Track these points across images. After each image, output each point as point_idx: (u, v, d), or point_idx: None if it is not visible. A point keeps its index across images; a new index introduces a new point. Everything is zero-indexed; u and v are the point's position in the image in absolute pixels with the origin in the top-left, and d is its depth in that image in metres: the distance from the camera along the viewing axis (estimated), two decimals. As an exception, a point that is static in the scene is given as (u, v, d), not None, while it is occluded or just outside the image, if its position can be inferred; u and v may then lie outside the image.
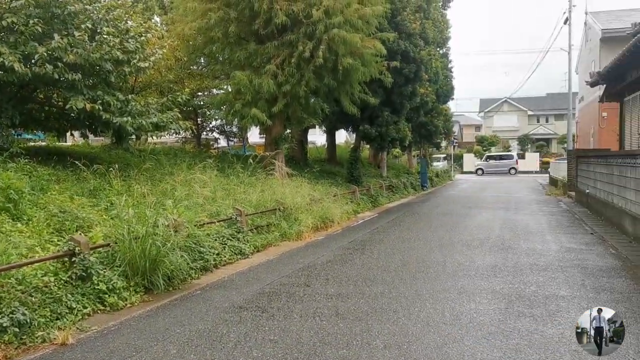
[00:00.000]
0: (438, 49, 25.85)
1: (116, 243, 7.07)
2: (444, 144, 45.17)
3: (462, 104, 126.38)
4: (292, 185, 13.44)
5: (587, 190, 16.62)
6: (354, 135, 26.52)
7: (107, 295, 6.27)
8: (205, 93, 19.44)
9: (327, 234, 12.04)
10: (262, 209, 11.52)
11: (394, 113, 21.40)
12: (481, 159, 56.09)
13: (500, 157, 53.61)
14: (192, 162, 13.34)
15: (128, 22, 11.71)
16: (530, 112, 67.60)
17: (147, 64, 11.41)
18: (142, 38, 11.73)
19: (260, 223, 10.93)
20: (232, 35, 14.85)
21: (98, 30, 10.46)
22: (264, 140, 19.95)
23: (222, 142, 30.18)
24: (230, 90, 15.67)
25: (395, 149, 33.63)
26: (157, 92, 16.33)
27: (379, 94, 19.36)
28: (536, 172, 52.55)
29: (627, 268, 7.76)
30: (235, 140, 31.67)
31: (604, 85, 18.70)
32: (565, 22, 25.27)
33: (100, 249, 7.00)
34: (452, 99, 35.04)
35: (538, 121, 68.02)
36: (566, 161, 25.30)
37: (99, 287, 6.26)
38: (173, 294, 6.81)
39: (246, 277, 7.70)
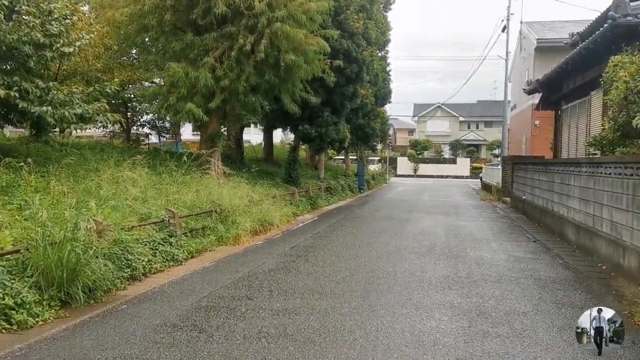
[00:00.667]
0: (378, 51, 25.65)
1: (28, 249, 6.12)
2: (379, 146, 45.41)
3: (396, 108, 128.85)
4: (229, 185, 12.67)
5: (524, 197, 16.80)
6: (291, 135, 26.02)
7: (14, 312, 5.35)
8: (137, 85, 18.25)
9: (267, 238, 11.36)
10: (197, 210, 10.70)
11: (334, 113, 20.98)
12: (414, 162, 57.04)
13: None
14: (120, 158, 12.29)
15: (52, 2, 10.58)
16: (461, 119, 69.45)
17: (72, 50, 10.37)
18: (68, 21, 10.67)
19: (195, 226, 10.12)
20: (168, 24, 13.91)
21: (16, 9, 9.34)
22: (198, 137, 18.99)
23: (154, 138, 28.78)
24: (164, 83, 14.66)
25: (331, 150, 33.36)
26: (83, 82, 15.05)
27: (320, 93, 18.87)
28: (467, 177, 53.97)
29: (579, 280, 7.56)
30: (168, 136, 30.32)
31: (540, 94, 19.06)
32: (503, 30, 25.80)
33: (9, 255, 6.05)
34: (390, 102, 35.14)
35: (469, 127, 69.98)
36: (500, 167, 25.77)
37: (4, 301, 5.33)
38: (95, 308, 5.95)
39: (180, 287, 6.92)
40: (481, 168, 56.36)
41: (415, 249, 9.87)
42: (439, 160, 59.94)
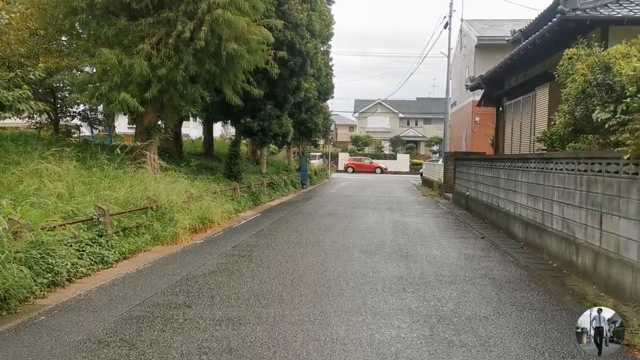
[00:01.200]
0: (322, 45, 25.22)
1: None
2: (321, 142, 45.11)
3: (338, 104, 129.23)
4: (166, 180, 11.88)
5: (467, 193, 16.81)
6: (232, 129, 25.24)
7: None
8: (67, 73, 16.98)
9: (207, 236, 10.69)
10: (131, 207, 9.90)
11: (277, 107, 20.39)
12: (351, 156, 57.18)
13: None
14: (46, 150, 11.26)
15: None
16: (401, 115, 70.28)
17: (-13, 29, 9.32)
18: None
19: (129, 224, 9.32)
20: (99, 7, 12.93)
21: None
22: (134, 130, 17.95)
23: (87, 131, 27.22)
24: (95, 70, 13.62)
25: (272, 145, 32.78)
26: (4, 67, 13.80)
27: (263, 86, 18.26)
28: (406, 173, 54.58)
29: (533, 278, 7.37)
30: (101, 128, 28.79)
31: (483, 90, 19.18)
32: (445, 27, 25.93)
33: None
34: (332, 97, 34.81)
35: (408, 124, 70.92)
36: (441, 163, 25.96)
37: None
38: (7, 320, 5.17)
39: (109, 294, 6.19)
40: (421, 164, 57.14)
41: (364, 247, 9.47)
42: (379, 156, 60.30)
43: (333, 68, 33.74)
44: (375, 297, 6.10)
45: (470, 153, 19.92)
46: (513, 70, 15.40)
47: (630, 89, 5.55)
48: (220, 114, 20.62)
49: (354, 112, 71.96)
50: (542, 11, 14.58)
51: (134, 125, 16.52)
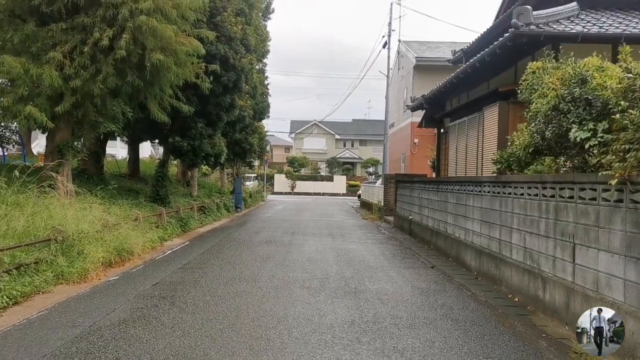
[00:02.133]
0: (258, 62, 24.17)
1: None
2: (256, 163, 43.81)
3: (273, 125, 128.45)
4: (77, 206, 10.34)
5: (410, 217, 16.07)
6: (161, 148, 23.66)
7: None
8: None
9: (124, 271, 9.24)
10: (29, 239, 8.35)
11: (209, 125, 19.09)
12: (291, 179, 56.16)
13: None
14: None
15: None
16: (337, 136, 70.09)
17: None
18: None
19: (26, 260, 7.77)
20: (3, 10, 11.42)
21: None
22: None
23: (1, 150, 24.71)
24: (-2, 80, 11.96)
25: (204, 166, 31.22)
26: None
27: (194, 102, 16.96)
28: (343, 195, 54.04)
29: (498, 318, 6.48)
30: (14, 148, 26.31)
31: (424, 111, 18.68)
32: (384, 46, 25.55)
33: None
34: (268, 116, 33.77)
35: (344, 145, 70.81)
36: (380, 185, 25.33)
37: None
38: None
39: (-19, 358, 4.76)
40: (357, 186, 56.87)
41: (307, 282, 8.33)
42: (316, 177, 59.60)
43: (269, 87, 32.79)
44: (325, 353, 4.97)
45: (412, 175, 19.32)
46: (456, 90, 14.90)
47: (622, 103, 4.79)
48: (147, 132, 19.07)
49: (290, 133, 71.10)
50: (485, 29, 14.21)
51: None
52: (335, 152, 68.70)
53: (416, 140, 25.98)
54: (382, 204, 22.69)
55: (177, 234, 14.69)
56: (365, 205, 29.66)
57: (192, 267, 9.59)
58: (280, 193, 52.86)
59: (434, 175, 20.11)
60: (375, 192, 26.56)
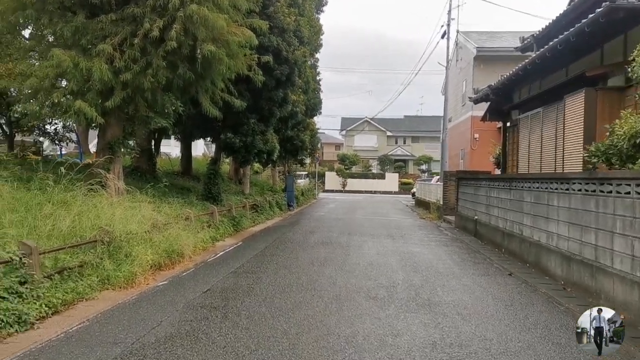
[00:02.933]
0: (311, 56, 23.39)
1: None
2: (307, 160, 43.16)
3: (323, 122, 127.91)
4: (126, 205, 9.81)
5: (476, 217, 14.93)
6: (214, 147, 23.30)
7: None
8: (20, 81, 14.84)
9: (174, 275, 8.62)
10: (74, 240, 7.83)
11: (262, 121, 18.47)
12: (342, 177, 55.32)
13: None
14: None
15: None
16: (389, 133, 68.70)
17: None
18: None
19: (69, 263, 7.22)
20: (53, 2, 11.04)
21: None
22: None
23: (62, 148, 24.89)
24: (48, 74, 11.57)
25: (256, 163, 30.75)
26: None
27: (246, 97, 16.31)
28: (395, 193, 52.78)
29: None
30: (75, 146, 26.50)
31: (489, 103, 17.46)
32: (443, 37, 24.32)
33: None
34: (320, 113, 32.97)
35: (396, 142, 69.37)
36: (437, 183, 24.16)
37: None
38: None
39: (10, 381, 4.13)
40: (410, 183, 55.53)
41: (372, 291, 7.46)
42: (367, 175, 58.52)
43: (321, 82, 32.00)
44: (407, 387, 4.10)
45: (476, 172, 18.10)
46: (528, 79, 13.67)
47: None
48: (199, 128, 18.60)
49: (341, 130, 70.19)
50: (560, 13, 12.96)
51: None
52: (386, 150, 67.38)
53: (476, 136, 24.64)
54: (441, 203, 21.53)
55: (229, 234, 14.09)
56: (421, 203, 28.49)
57: (245, 271, 8.88)
58: (331, 191, 52.10)
59: (497, 172, 18.85)
60: (432, 190, 25.38)
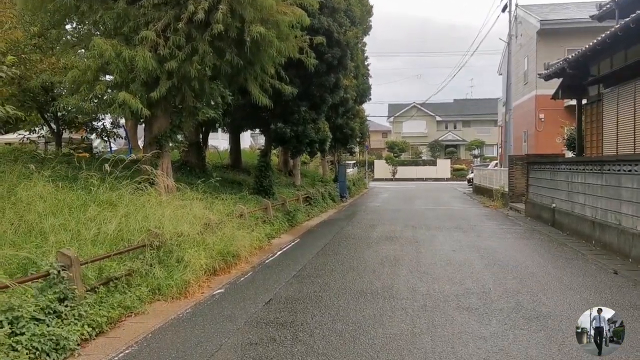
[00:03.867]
0: (363, 35, 22.17)
1: None
2: (356, 149, 42.00)
3: (369, 109, 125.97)
4: (176, 204, 9.01)
5: (553, 205, 13.52)
6: (261, 139, 22.57)
7: None
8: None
9: (231, 280, 7.76)
10: (121, 246, 7.05)
11: (312, 109, 17.49)
12: (392, 165, 53.89)
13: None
14: (31, 169, 8.60)
15: None
16: (438, 118, 66.63)
17: None
18: None
19: (116, 272, 6.43)
20: (91, -12, 10.37)
21: None
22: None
23: (114, 145, 24.60)
24: (90, 65, 10.88)
25: (305, 154, 29.88)
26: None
27: (296, 84, 15.33)
28: (447, 180, 51.03)
29: None
30: (124, 142, 26.23)
31: (561, 79, 15.92)
32: (504, 10, 22.66)
33: None
34: (369, 99, 31.73)
35: (446, 127, 67.26)
36: (500, 168, 22.64)
37: None
38: None
39: None
40: (462, 169, 53.63)
41: (462, 299, 6.36)
42: (417, 162, 56.89)
43: (369, 67, 30.72)
44: None
45: (553, 155, 16.62)
46: (613, 49, 12.09)
47: None
48: (247, 119, 17.76)
49: (389, 117, 68.50)
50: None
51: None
52: (436, 135, 65.39)
53: (542, 116, 22.93)
54: (506, 190, 20.05)
55: (284, 230, 13.21)
56: (481, 190, 26.96)
57: (309, 275, 7.92)
58: (381, 179, 50.78)
59: (568, 155, 17.28)
60: (494, 176, 23.82)
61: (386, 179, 51.36)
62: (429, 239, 11.43)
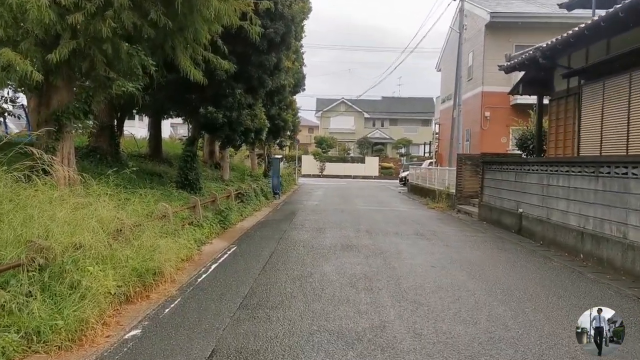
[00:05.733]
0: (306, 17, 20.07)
1: None
2: (287, 143, 39.90)
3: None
4: (74, 202, 6.59)
5: (521, 210, 12.12)
6: (181, 129, 20.00)
7: None
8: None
9: (150, 313, 5.51)
10: (-20, 267, 4.65)
11: (249, 92, 15.23)
12: (320, 161, 52.21)
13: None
14: None
15: None
16: (366, 115, 65.78)
17: None
18: None
19: (-34, 312, 4.05)
20: None
21: None
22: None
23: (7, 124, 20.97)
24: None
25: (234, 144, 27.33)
26: None
27: (232, 62, 13.06)
28: (376, 177, 50.08)
29: None
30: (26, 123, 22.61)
31: (523, 73, 14.69)
32: (455, -3, 21.35)
33: None
34: (304, 89, 29.78)
35: (374, 125, 66.54)
36: (449, 168, 21.39)
37: None
38: None
39: None
40: (390, 168, 52.88)
41: (493, 352, 4.50)
42: (345, 159, 55.58)
43: (304, 57, 28.69)
44: None
45: (516, 155, 15.40)
46: (592, 38, 10.73)
47: None
48: (172, 101, 15.20)
49: (317, 111, 66.82)
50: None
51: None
52: (364, 132, 64.49)
53: (487, 114, 21.90)
54: (453, 191, 18.74)
55: (216, 233, 10.96)
56: (417, 190, 25.73)
57: (261, 304, 5.80)
58: (309, 176, 48.96)
59: (531, 155, 16.14)
60: (435, 176, 22.52)
61: (314, 175, 49.66)
62: (394, 248, 9.57)
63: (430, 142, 57.39)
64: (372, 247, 9.70)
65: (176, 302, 5.90)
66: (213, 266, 7.87)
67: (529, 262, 8.70)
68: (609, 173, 8.46)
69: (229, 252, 9.07)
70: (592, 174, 8.96)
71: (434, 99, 41.01)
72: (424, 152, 57.82)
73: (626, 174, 7.94)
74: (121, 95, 10.99)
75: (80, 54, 8.65)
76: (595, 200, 8.85)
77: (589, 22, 10.02)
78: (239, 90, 14.59)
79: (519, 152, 17.54)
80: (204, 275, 7.25)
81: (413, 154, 59.69)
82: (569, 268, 8.31)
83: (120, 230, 6.62)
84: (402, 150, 61.45)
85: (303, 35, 19.38)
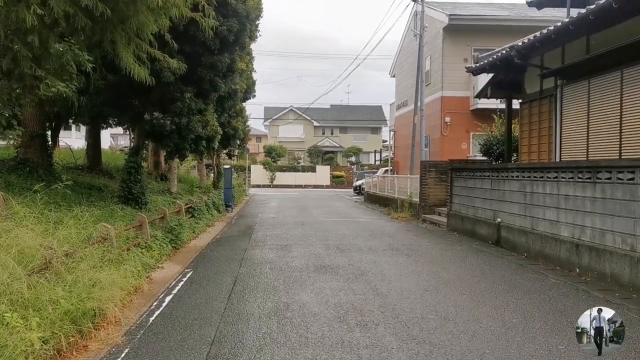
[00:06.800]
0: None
1: None
2: (236, 152, 38.35)
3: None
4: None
5: (499, 220, 11.30)
6: (123, 140, 18.36)
7: None
8: None
9: (88, 373, 4.18)
10: None
11: (199, 97, 13.89)
12: (270, 171, 50.82)
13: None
14: None
15: None
16: (316, 123, 64.91)
17: None
18: None
19: None
20: None
21: None
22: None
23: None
24: None
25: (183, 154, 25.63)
26: None
27: (181, 62, 11.74)
28: (327, 187, 49.16)
29: None
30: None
31: (492, 75, 14.02)
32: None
33: None
34: (254, 96, 28.42)
35: (323, 133, 65.79)
36: (412, 176, 20.59)
37: None
38: None
39: None
40: (341, 176, 52.03)
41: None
42: (296, 168, 54.38)
43: (254, 63, 27.40)
44: None
45: (487, 161, 14.66)
46: (570, 36, 10.05)
47: None
48: (112, 106, 13.61)
49: (265, 120, 65.38)
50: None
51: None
52: (314, 141, 63.60)
53: (447, 119, 21.27)
54: (416, 200, 17.90)
55: (167, 255, 9.59)
56: (375, 199, 24.88)
57: (235, 356, 4.55)
58: (259, 186, 47.47)
59: (496, 161, 15.48)
60: (395, 184, 21.65)
61: (264, 185, 48.25)
62: (374, 268, 8.47)
63: (381, 150, 57.27)
64: (348, 267, 8.57)
65: (122, 355, 4.58)
66: (167, 299, 6.54)
67: (526, 280, 7.79)
68: (609, 179, 7.67)
69: (184, 279, 7.74)
70: (588, 180, 8.17)
71: (383, 107, 40.50)
72: (375, 160, 57.46)
73: (633, 179, 7.16)
74: (53, 99, 9.51)
75: (0, 48, 7.25)
76: (593, 209, 8.06)
77: (567, 19, 9.33)
78: (189, 94, 13.24)
79: (482, 158, 16.89)
80: (156, 312, 5.92)
81: (363, 162, 59.27)
82: (571, 285, 7.45)
83: (49, 263, 5.23)
84: (353, 159, 60.91)
85: (257, 35, 18.18)
